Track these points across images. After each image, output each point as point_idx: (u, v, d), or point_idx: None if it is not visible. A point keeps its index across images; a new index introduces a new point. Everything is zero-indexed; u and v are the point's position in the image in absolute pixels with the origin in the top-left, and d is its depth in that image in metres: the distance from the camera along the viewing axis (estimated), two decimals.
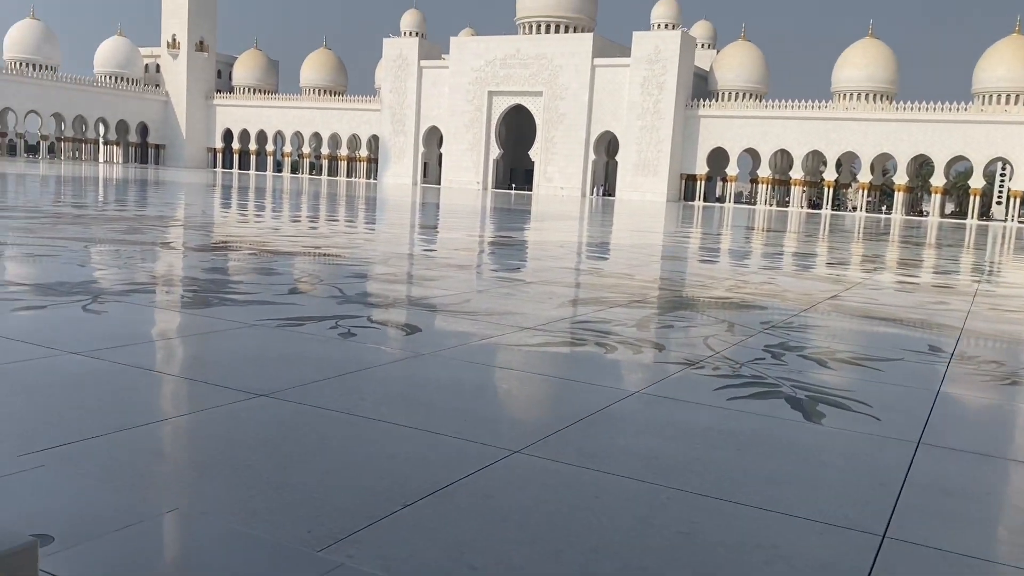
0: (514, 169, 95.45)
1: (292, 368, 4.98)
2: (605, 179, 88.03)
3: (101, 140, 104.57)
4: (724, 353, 6.20)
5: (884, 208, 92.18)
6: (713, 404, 4.70)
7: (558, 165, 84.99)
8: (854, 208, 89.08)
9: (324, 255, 12.28)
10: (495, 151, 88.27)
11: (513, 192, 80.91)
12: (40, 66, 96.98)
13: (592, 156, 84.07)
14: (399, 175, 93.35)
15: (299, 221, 20.28)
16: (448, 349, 5.80)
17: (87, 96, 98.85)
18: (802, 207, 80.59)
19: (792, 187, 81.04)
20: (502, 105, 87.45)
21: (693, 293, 10.01)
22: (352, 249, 13.27)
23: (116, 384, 4.43)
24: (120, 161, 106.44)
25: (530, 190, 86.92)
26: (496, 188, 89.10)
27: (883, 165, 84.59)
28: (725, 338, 6.86)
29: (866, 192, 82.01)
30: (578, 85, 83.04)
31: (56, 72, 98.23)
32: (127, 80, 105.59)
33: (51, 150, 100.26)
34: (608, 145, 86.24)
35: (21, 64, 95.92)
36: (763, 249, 20.83)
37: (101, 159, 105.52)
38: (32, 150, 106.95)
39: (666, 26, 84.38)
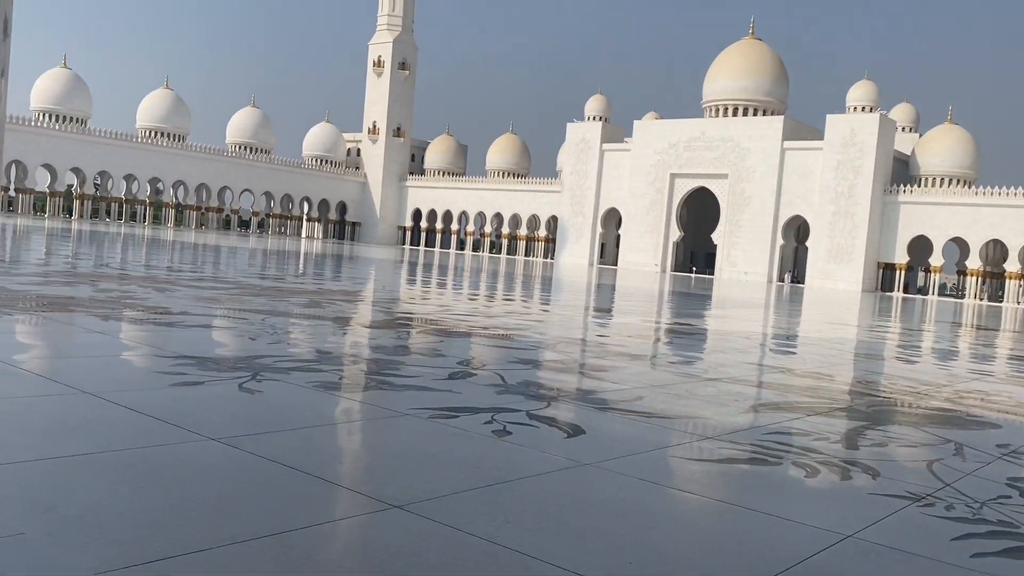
0: (694, 252, 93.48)
1: (436, 471, 4.39)
2: (794, 265, 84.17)
3: (305, 217, 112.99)
4: (956, 485, 5.01)
5: None
6: (955, 563, 3.62)
7: (743, 249, 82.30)
8: None
9: (492, 336, 11.87)
10: (675, 233, 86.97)
11: (693, 275, 78.98)
12: (255, 149, 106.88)
13: (780, 241, 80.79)
14: (576, 255, 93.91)
15: (474, 299, 20.25)
16: (614, 459, 5.01)
17: (295, 177, 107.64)
18: (1018, 303, 73.01)
19: (1007, 280, 73.82)
20: (684, 187, 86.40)
21: (905, 401, 8.63)
22: (521, 331, 12.80)
23: (243, 480, 4.00)
24: (320, 237, 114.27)
25: (711, 274, 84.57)
26: (675, 271, 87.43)
27: None
28: (954, 464, 5.62)
29: None
30: (766, 168, 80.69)
31: (269, 155, 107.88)
32: (331, 162, 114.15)
33: (260, 225, 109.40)
34: (797, 230, 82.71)
35: (240, 147, 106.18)
36: (983, 351, 18.46)
37: (303, 235, 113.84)
38: (244, 225, 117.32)
39: (863, 109, 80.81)
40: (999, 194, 72.55)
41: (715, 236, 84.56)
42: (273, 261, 32.52)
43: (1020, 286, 74.34)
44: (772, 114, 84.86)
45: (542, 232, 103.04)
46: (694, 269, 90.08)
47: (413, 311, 14.89)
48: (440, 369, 7.97)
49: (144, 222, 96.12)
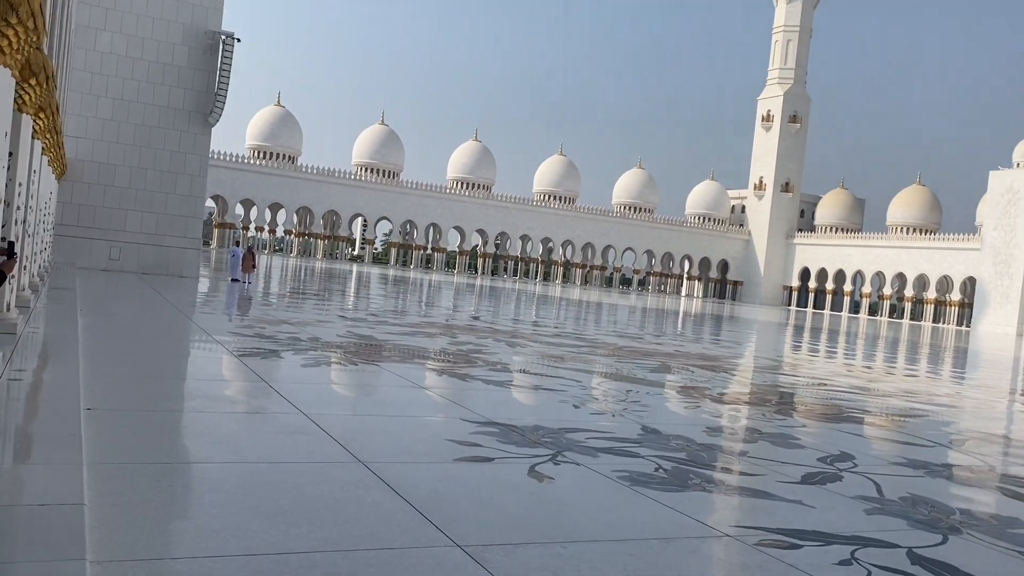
0: None
1: None
2: None
3: (685, 275, 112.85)
4: None
5: None
6: None
7: None
8: None
9: (873, 423, 9.55)
10: None
11: None
12: (639, 209, 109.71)
13: None
14: (999, 323, 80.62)
15: (861, 371, 17.37)
16: None
17: (676, 234, 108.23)
18: None
19: None
20: None
21: None
22: (917, 418, 10.21)
23: None
24: (700, 295, 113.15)
25: None
26: None
27: None
28: None
29: None
30: None
31: (652, 214, 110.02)
32: (713, 220, 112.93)
33: (641, 283, 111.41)
34: None
35: (624, 207, 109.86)
36: None
37: (683, 293, 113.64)
38: (626, 282, 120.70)
39: None
40: None
41: None
42: (642, 319, 32.01)
43: None
44: None
45: (955, 295, 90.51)
46: None
47: (778, 383, 12.90)
48: (794, 466, 6.20)
49: (535, 278, 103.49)
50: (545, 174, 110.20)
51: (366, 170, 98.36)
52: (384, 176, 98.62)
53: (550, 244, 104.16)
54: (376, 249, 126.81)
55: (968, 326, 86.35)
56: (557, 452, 5.79)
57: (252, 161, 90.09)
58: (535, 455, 5.63)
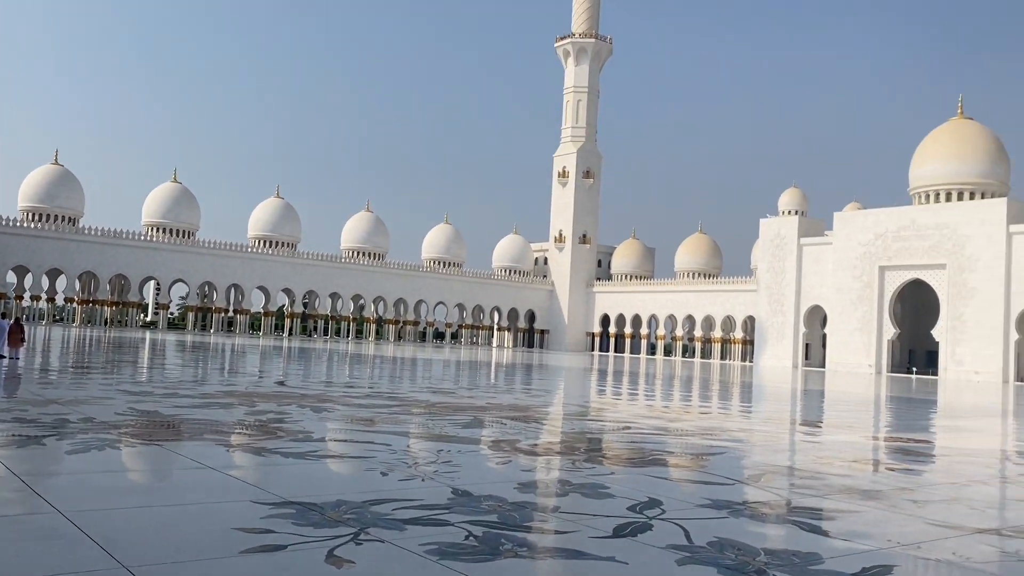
0: (913, 350, 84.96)
1: None
2: None
3: (495, 326, 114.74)
4: None
5: None
6: None
7: (970, 346, 73.60)
8: None
9: (678, 464, 9.78)
10: (889, 330, 79.50)
11: (914, 376, 71.28)
12: (448, 263, 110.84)
13: (1014, 335, 71.63)
14: (777, 357, 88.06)
15: (661, 412, 18.04)
16: None
17: (485, 288, 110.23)
18: None
19: None
20: (896, 280, 79.41)
21: None
22: (715, 455, 10.59)
23: None
24: (510, 345, 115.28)
25: (934, 374, 76.09)
26: (892, 372, 79.55)
27: None
28: None
29: None
30: (991, 256, 72.63)
31: (461, 268, 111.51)
32: (519, 272, 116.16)
33: (454, 336, 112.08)
34: None
35: (434, 262, 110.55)
36: None
37: (494, 344, 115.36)
38: (439, 336, 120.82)
39: None
40: None
41: (936, 332, 76.41)
42: (455, 372, 31.87)
43: None
44: (991, 196, 77.02)
45: (738, 334, 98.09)
46: (914, 369, 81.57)
47: (586, 429, 13.04)
48: (605, 518, 6.09)
49: (347, 337, 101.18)
50: (353, 230, 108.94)
51: (159, 230, 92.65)
52: (179, 236, 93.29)
53: (361, 301, 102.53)
54: (172, 314, 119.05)
55: (751, 361, 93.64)
56: (360, 530, 5.33)
57: (25, 224, 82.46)
58: (335, 536, 5.14)
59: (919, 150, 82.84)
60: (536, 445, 10.53)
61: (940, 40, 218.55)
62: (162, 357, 31.27)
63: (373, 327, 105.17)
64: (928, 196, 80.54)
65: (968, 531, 6.37)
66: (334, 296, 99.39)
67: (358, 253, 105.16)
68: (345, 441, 10.04)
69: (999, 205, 73.20)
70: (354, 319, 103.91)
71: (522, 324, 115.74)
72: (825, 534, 6.04)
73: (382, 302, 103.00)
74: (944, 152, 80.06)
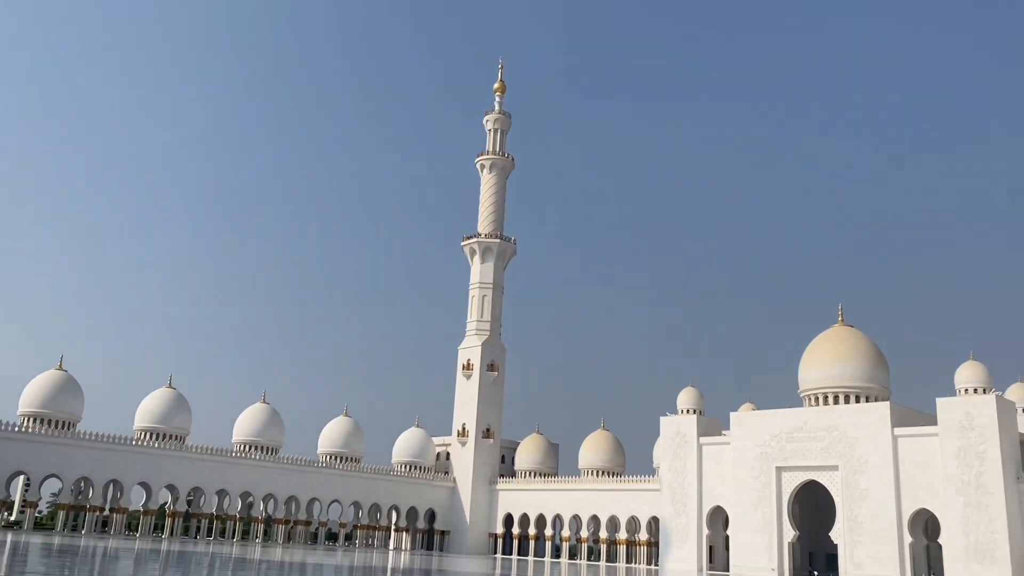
0: (813, 552, 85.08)
1: None
2: (928, 566, 75.16)
3: (393, 527, 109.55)
4: None
5: None
6: None
7: (867, 549, 74.29)
8: None
9: None
10: (789, 533, 79.73)
11: None
12: (346, 458, 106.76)
13: (908, 538, 72.87)
14: (682, 560, 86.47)
15: None
16: None
17: (383, 484, 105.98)
18: None
19: None
20: (793, 481, 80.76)
21: None
22: None
23: None
24: (408, 548, 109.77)
25: None
26: (794, 575, 79.00)
27: None
28: None
29: None
30: (879, 457, 75.23)
31: (359, 463, 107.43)
32: (420, 468, 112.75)
33: (348, 538, 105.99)
34: (926, 525, 74.93)
35: (331, 457, 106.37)
36: None
37: (391, 546, 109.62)
38: (332, 538, 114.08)
39: (974, 390, 76.22)
40: None
41: (833, 534, 77.12)
42: None
43: None
44: (875, 400, 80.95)
45: (643, 535, 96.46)
46: (815, 573, 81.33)
47: None
48: None
49: (233, 538, 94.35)
50: (246, 423, 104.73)
51: (34, 420, 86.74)
52: (57, 427, 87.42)
53: (250, 499, 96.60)
54: (40, 512, 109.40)
55: (656, 564, 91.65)
56: None
57: None
58: None
59: (805, 354, 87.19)
60: None
61: (821, 246, 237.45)
62: (22, 565, 28.08)
63: (261, 527, 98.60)
64: (817, 399, 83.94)
65: None
66: (221, 493, 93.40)
67: (251, 447, 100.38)
68: None
69: (883, 408, 76.81)
70: (241, 518, 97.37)
71: (421, 524, 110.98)
72: None
73: (272, 499, 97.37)
74: (829, 357, 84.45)
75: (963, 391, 76.83)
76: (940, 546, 71.95)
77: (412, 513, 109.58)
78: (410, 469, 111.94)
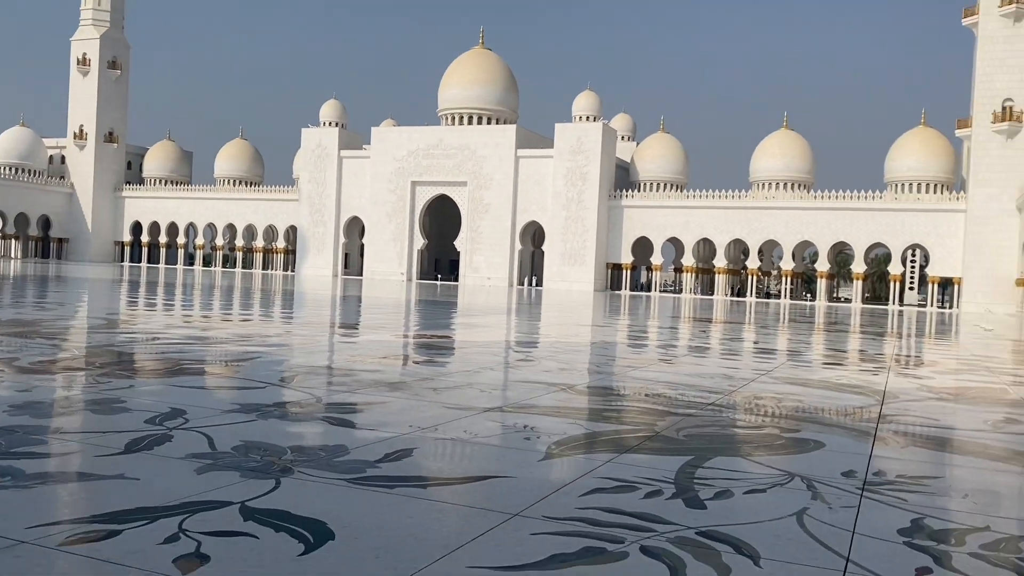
0: (439, 259, 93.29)
1: None
2: (532, 269, 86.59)
3: (1, 235, 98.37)
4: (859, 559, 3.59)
5: (807, 295, 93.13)
6: None
7: (484, 255, 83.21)
8: (775, 295, 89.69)
9: (208, 372, 9.33)
10: (419, 241, 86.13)
11: (439, 283, 78.45)
12: None
13: (519, 246, 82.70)
14: (319, 266, 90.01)
15: (194, 321, 17.12)
16: None
17: None
18: (725, 295, 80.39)
19: (716, 275, 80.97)
20: (426, 195, 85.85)
21: (704, 418, 7.36)
22: (247, 361, 10.32)
23: None
24: (19, 256, 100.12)
25: (456, 280, 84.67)
26: (421, 279, 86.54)
27: (803, 252, 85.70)
28: (821, 515, 4.24)
29: (789, 279, 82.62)
30: (502, 176, 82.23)
31: None
32: (28, 171, 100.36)
33: None
34: (534, 235, 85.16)
35: None
36: (730, 345, 18.59)
37: (0, 254, 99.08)
38: None
39: (587, 118, 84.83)
40: (705, 196, 79.56)
41: (458, 243, 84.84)
42: None
43: (727, 280, 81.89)
44: (505, 123, 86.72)
45: (281, 243, 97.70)
46: (439, 277, 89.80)
47: (105, 343, 11.76)
48: (117, 434, 5.47)
49: None
50: None
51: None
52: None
53: None
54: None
55: (293, 270, 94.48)
56: None
57: None
58: None
59: (446, 75, 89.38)
60: (40, 363, 9.15)
61: None
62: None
63: None
64: (454, 118, 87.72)
65: (477, 411, 7.07)
66: None
67: None
68: None
69: (510, 131, 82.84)
70: None
71: (34, 232, 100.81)
72: (352, 426, 6.20)
73: None
74: (467, 78, 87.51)
75: (578, 118, 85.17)
76: (543, 252, 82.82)
77: (22, 220, 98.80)
78: (17, 172, 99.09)
